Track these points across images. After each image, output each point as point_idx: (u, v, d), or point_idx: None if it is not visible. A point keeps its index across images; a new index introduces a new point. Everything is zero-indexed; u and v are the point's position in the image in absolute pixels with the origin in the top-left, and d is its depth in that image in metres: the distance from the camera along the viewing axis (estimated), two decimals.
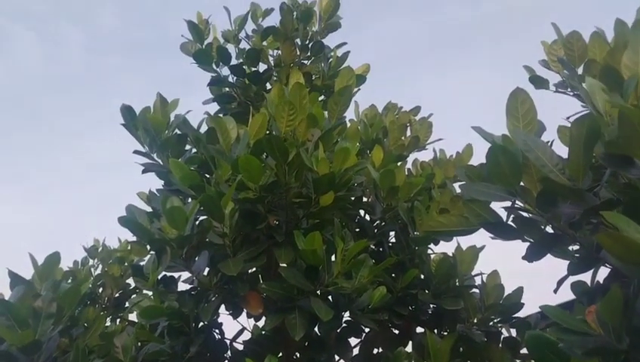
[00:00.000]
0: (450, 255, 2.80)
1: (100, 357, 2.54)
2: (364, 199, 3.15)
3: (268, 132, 2.54)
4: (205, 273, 2.56)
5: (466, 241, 2.89)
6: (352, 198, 2.88)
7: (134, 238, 2.53)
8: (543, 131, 1.86)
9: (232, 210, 2.35)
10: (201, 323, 2.67)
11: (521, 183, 1.72)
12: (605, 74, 1.84)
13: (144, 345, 2.66)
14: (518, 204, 1.78)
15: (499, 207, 1.87)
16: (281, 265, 2.47)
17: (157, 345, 2.59)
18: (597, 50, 2.21)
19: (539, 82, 2.47)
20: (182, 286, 2.58)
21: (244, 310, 2.63)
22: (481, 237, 2.95)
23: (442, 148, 3.64)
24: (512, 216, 1.82)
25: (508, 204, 1.80)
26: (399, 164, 3.23)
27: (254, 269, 2.70)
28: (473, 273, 2.79)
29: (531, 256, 1.72)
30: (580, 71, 2.27)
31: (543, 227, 1.75)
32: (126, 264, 4.20)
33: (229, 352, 2.84)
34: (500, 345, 2.80)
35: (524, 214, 1.78)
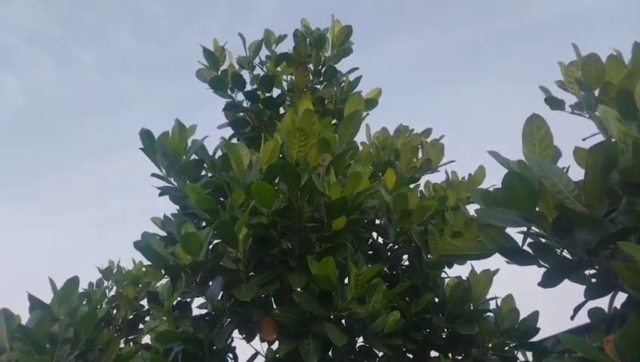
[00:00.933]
0: (464, 279, 2.78)
1: None
2: (377, 221, 3.15)
3: (281, 156, 2.57)
4: (219, 297, 2.57)
5: (480, 265, 2.88)
6: (365, 221, 2.89)
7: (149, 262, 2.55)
8: (559, 157, 1.87)
9: (246, 235, 2.37)
10: (215, 347, 2.67)
11: (537, 209, 1.72)
12: (621, 99, 1.85)
13: None
14: (534, 229, 1.78)
15: (514, 232, 1.88)
16: (294, 289, 2.48)
17: None
18: (614, 73, 2.22)
19: (555, 103, 2.47)
20: (196, 311, 2.59)
21: (258, 334, 2.63)
22: (495, 260, 2.93)
23: (454, 170, 3.65)
24: (528, 241, 1.82)
25: (524, 229, 1.80)
26: (412, 186, 3.24)
27: (266, 294, 2.71)
28: (488, 297, 2.76)
29: (547, 282, 1.71)
30: (596, 93, 2.27)
31: (559, 253, 1.75)
32: (140, 286, 4.21)
33: None
34: None
35: (540, 240, 1.78)
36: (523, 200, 1.67)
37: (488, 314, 2.77)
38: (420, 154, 3.57)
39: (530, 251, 1.78)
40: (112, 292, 4.34)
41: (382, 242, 3.11)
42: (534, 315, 2.64)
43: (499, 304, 2.70)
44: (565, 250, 1.72)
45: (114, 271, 4.41)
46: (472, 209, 3.46)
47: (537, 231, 1.77)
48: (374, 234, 3.15)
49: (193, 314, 2.54)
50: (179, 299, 2.42)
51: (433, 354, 2.90)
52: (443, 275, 3.00)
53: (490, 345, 2.71)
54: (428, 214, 2.90)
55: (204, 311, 2.56)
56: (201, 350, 2.48)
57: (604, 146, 1.55)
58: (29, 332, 2.24)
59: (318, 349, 2.26)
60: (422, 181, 3.57)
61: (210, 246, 2.50)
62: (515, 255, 1.81)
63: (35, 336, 2.22)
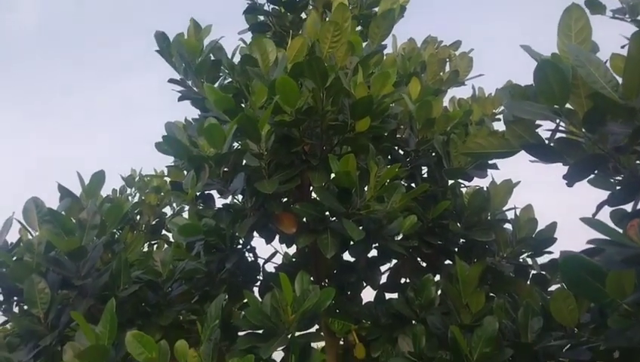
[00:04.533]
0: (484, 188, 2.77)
1: (139, 269, 2.67)
2: (398, 136, 3.12)
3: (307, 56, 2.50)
4: (241, 198, 2.63)
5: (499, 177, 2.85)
6: (387, 131, 2.85)
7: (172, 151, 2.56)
8: (597, 52, 1.79)
9: (269, 132, 2.37)
10: (237, 246, 2.77)
11: (567, 105, 1.67)
12: None
13: (180, 262, 2.79)
14: (562, 126, 1.74)
15: (541, 131, 1.84)
16: (313, 187, 2.51)
17: (193, 263, 2.71)
18: None
19: (595, 7, 2.35)
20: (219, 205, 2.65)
21: (277, 236, 2.70)
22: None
23: (481, 87, 3.54)
24: (555, 138, 1.78)
25: (551, 126, 1.76)
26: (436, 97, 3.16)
27: (286, 199, 2.75)
28: (506, 207, 2.76)
29: (572, 176, 1.69)
30: None
31: (586, 149, 1.71)
32: (162, 194, 4.34)
33: (260, 275, 2.95)
34: (529, 282, 2.81)
35: (568, 136, 1.74)
36: (555, 91, 1.62)
37: (506, 224, 2.78)
38: (448, 68, 3.46)
39: (556, 148, 1.75)
40: (135, 200, 4.48)
41: (402, 154, 3.10)
42: (552, 226, 2.65)
43: (517, 214, 2.70)
44: (594, 146, 1.68)
45: (136, 179, 4.52)
46: (497, 125, 3.40)
47: (566, 128, 1.73)
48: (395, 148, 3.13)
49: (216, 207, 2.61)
50: (203, 191, 2.47)
51: (447, 263, 2.97)
52: (462, 189, 3.00)
53: (504, 255, 2.74)
54: (451, 124, 2.85)
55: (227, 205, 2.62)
56: (222, 242, 2.57)
57: None
58: (59, 216, 2.34)
59: (336, 244, 2.32)
60: (447, 97, 3.50)
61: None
62: (541, 151, 1.78)
63: (64, 220, 2.32)
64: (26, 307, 2.35)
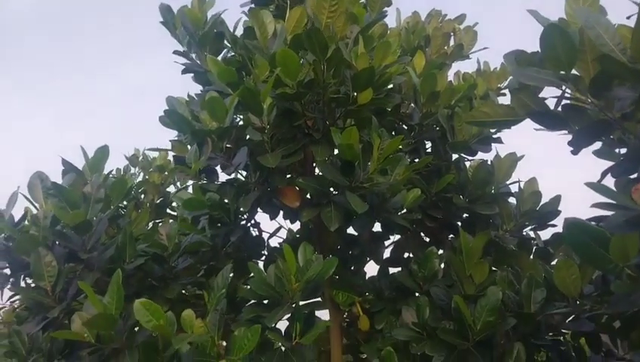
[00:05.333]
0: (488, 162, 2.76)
1: (145, 243, 2.69)
2: (402, 111, 3.10)
3: (307, 27, 2.47)
4: (245, 169, 2.63)
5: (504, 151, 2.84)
6: (390, 105, 2.83)
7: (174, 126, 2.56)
8: (605, 16, 1.76)
9: (271, 105, 2.35)
10: (241, 220, 2.78)
11: (574, 72, 1.65)
12: None
13: (186, 236, 2.81)
14: (568, 93, 1.72)
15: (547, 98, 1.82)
16: (316, 161, 2.50)
17: (198, 236, 2.73)
18: None
19: None
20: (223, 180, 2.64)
21: (281, 211, 2.70)
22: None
23: (486, 61, 3.50)
24: (561, 105, 1.76)
25: (557, 93, 1.74)
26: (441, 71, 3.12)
27: (290, 175, 2.75)
28: (510, 181, 2.75)
29: (577, 143, 1.68)
30: None
31: (592, 116, 1.69)
32: (166, 173, 4.35)
33: (265, 250, 2.97)
34: (532, 256, 2.81)
35: (574, 103, 1.72)
36: (561, 57, 1.59)
37: (510, 198, 2.77)
38: (452, 42, 3.41)
39: (561, 115, 1.74)
40: (139, 179, 4.49)
41: (406, 128, 3.08)
42: (556, 199, 2.64)
43: (522, 187, 2.69)
44: (600, 113, 1.66)
45: (140, 159, 4.53)
46: (502, 100, 3.37)
47: (572, 94, 1.71)
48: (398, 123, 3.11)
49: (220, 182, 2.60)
50: (206, 165, 2.47)
51: (450, 237, 2.97)
52: (467, 163, 2.98)
53: (508, 228, 2.74)
54: (456, 98, 2.82)
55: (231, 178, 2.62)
56: (227, 216, 2.57)
57: None
58: (63, 189, 2.35)
59: (339, 217, 2.31)
60: (452, 71, 3.46)
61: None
62: (546, 118, 1.76)
63: (68, 193, 2.33)
64: (32, 282, 2.37)
